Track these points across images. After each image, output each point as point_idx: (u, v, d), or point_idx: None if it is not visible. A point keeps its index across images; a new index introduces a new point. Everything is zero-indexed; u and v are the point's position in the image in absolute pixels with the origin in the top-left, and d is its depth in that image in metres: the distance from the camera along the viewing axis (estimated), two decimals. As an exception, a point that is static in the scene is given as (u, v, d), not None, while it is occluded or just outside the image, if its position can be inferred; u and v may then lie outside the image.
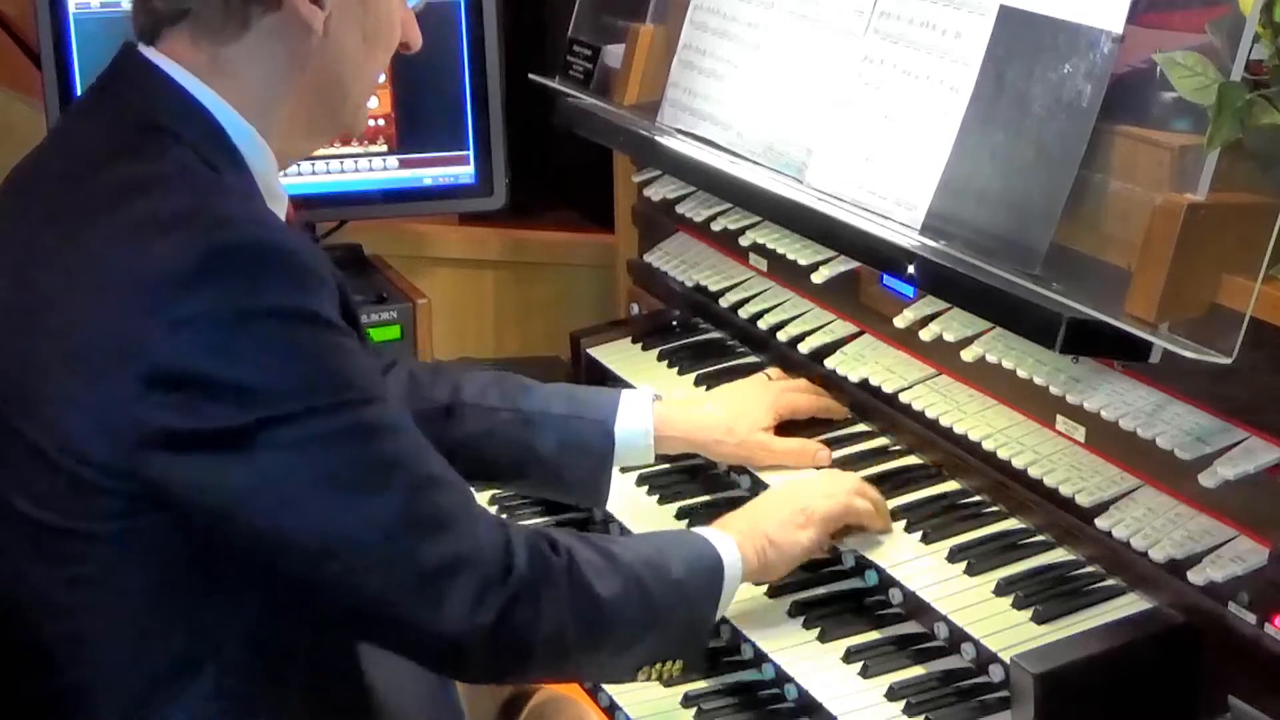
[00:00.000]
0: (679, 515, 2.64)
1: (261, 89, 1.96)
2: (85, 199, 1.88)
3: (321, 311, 1.83)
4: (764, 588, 2.41)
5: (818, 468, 2.57)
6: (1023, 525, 2.36)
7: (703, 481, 2.73)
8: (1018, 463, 2.33)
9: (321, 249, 1.91)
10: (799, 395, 2.69)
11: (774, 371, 2.79)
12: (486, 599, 1.90)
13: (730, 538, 2.25)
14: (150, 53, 1.95)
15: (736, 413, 2.62)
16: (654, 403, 2.59)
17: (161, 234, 1.80)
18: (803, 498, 2.37)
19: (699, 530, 2.29)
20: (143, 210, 1.83)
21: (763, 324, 2.83)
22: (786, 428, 2.65)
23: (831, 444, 2.61)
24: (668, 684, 2.31)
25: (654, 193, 3.12)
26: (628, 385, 2.91)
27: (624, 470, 2.68)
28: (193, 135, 1.91)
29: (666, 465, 2.74)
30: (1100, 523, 2.20)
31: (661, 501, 2.68)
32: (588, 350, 3.07)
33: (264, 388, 1.79)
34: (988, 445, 2.38)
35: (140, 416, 1.78)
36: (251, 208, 1.90)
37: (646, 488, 2.71)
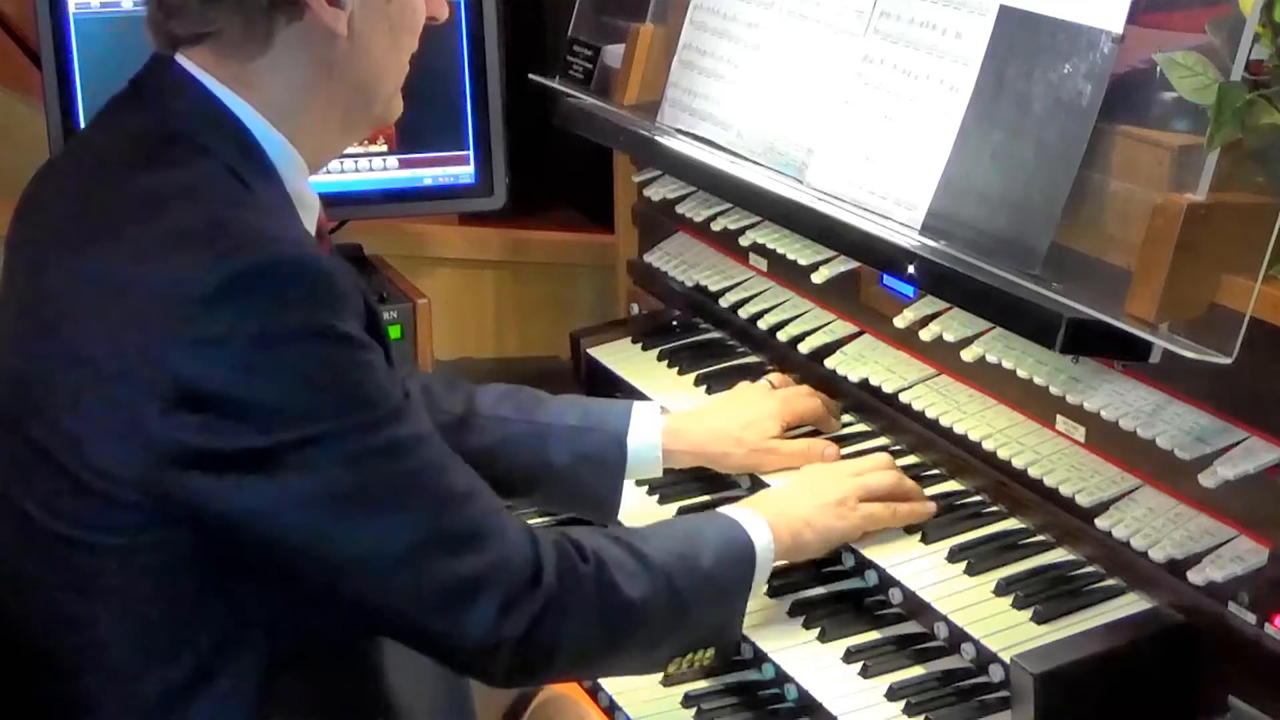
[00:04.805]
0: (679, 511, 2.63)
1: (290, 98, 1.93)
2: (109, 210, 1.86)
3: (344, 328, 1.80)
4: (764, 588, 2.40)
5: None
6: (1023, 525, 2.36)
7: (705, 482, 2.70)
8: (1018, 463, 2.33)
9: (345, 261, 1.88)
10: (803, 400, 2.65)
11: (776, 378, 2.75)
12: (514, 611, 1.89)
13: (763, 519, 2.23)
14: (184, 59, 1.92)
15: (744, 423, 2.57)
16: (662, 415, 2.56)
17: (184, 250, 1.78)
18: (845, 482, 2.36)
19: (731, 511, 2.26)
20: (166, 224, 1.81)
21: (763, 324, 2.82)
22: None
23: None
24: (705, 674, 2.29)
25: (654, 193, 3.12)
26: (628, 385, 2.92)
27: (638, 483, 2.68)
28: (223, 146, 1.89)
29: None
30: (1100, 523, 2.20)
31: (662, 502, 2.66)
32: (588, 350, 3.07)
33: (287, 409, 1.78)
34: (988, 445, 2.38)
35: (163, 435, 1.77)
36: (275, 223, 1.86)
37: (646, 488, 2.70)
